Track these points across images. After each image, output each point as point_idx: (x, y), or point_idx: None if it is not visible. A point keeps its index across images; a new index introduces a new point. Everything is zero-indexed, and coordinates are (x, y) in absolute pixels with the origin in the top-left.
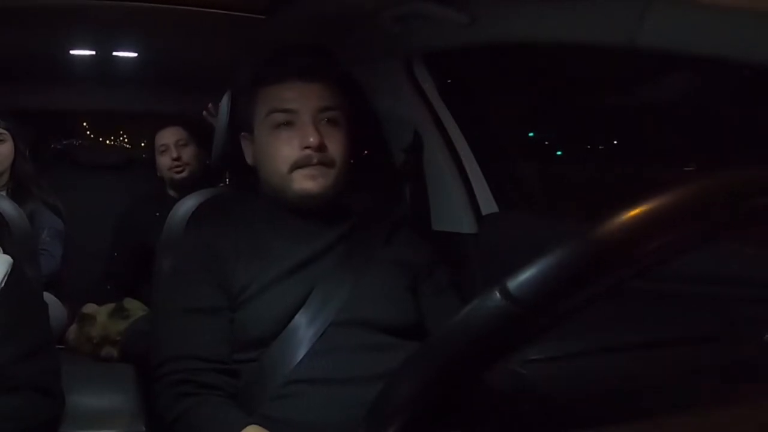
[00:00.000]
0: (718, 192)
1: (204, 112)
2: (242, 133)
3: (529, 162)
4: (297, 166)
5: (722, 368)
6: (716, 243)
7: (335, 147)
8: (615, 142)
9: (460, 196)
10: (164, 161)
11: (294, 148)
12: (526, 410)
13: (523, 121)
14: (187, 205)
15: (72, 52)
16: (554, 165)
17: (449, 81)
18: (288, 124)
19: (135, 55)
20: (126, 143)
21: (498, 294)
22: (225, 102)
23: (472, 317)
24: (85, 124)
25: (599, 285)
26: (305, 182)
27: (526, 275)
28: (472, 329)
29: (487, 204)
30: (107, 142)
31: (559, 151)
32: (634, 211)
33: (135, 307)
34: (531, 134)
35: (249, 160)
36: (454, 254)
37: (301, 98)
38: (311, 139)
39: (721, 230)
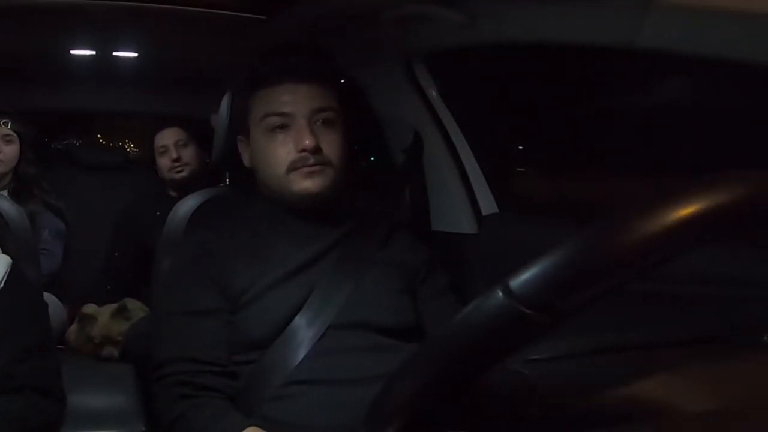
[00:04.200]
0: (719, 195)
1: (212, 116)
2: (238, 136)
3: (530, 163)
4: (293, 167)
5: (722, 368)
6: (716, 243)
7: (331, 148)
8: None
9: (460, 197)
10: (164, 162)
11: (290, 151)
12: (527, 410)
13: (523, 121)
14: (187, 205)
15: (72, 52)
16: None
17: (449, 81)
18: (283, 127)
19: (135, 55)
20: (126, 143)
21: (500, 293)
22: (225, 103)
23: (474, 316)
24: (85, 124)
25: (603, 284)
26: (303, 182)
27: (528, 274)
28: (474, 328)
29: (487, 204)
30: (108, 142)
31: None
32: (639, 212)
33: (136, 308)
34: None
35: (246, 162)
36: (454, 254)
37: (295, 100)
38: (306, 142)
39: (723, 233)
